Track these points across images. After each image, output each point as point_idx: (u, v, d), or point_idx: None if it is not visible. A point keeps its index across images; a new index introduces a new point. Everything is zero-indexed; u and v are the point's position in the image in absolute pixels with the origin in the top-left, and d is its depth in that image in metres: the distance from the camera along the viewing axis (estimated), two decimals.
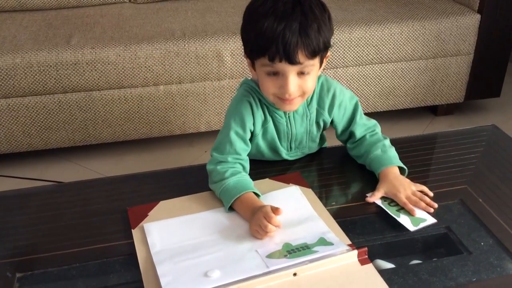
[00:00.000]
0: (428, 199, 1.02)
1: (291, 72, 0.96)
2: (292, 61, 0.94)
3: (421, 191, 1.04)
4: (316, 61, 0.99)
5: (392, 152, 1.10)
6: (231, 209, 1.00)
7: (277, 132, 1.11)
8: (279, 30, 0.92)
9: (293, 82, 0.97)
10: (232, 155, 1.06)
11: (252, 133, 1.09)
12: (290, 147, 1.14)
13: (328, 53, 1.04)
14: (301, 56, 0.94)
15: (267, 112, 1.09)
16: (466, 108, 2.36)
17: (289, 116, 1.09)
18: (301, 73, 0.98)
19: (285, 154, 1.14)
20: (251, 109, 1.07)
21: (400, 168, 1.08)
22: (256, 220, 0.92)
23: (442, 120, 2.30)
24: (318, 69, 1.02)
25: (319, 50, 0.96)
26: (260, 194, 1.02)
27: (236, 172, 1.03)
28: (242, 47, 1.04)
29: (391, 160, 1.08)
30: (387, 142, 1.13)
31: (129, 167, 1.99)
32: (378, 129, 1.16)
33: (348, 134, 1.15)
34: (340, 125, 1.14)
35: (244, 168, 1.07)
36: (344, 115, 1.13)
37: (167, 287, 0.81)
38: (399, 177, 1.06)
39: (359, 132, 1.14)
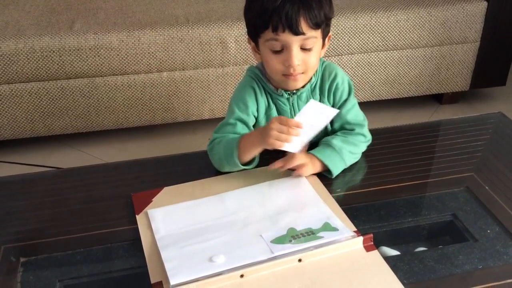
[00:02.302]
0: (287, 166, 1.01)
1: (295, 43, 0.98)
2: (295, 29, 0.96)
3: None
4: (319, 34, 1.00)
5: (335, 153, 1.05)
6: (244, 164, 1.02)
7: None
8: (280, 1, 0.95)
9: (297, 55, 0.99)
10: (232, 135, 1.06)
11: (256, 119, 1.09)
12: None
13: (330, 33, 1.06)
14: (303, 25, 0.96)
15: (270, 99, 1.09)
16: (471, 96, 2.34)
17: (292, 103, 1.09)
18: (304, 49, 0.99)
19: None
20: (255, 95, 1.08)
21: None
22: (270, 129, 0.95)
23: (447, 109, 2.28)
24: (321, 47, 1.03)
25: (321, 21, 0.98)
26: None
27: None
28: (246, 33, 1.03)
29: (324, 154, 1.04)
30: (349, 146, 1.07)
31: (132, 154, 1.99)
32: (360, 129, 1.10)
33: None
34: (335, 107, 1.11)
35: None
36: (341, 97, 1.11)
37: (171, 271, 0.81)
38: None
39: (338, 122, 1.10)
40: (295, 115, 1.09)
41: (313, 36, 0.99)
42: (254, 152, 1.02)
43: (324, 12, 0.99)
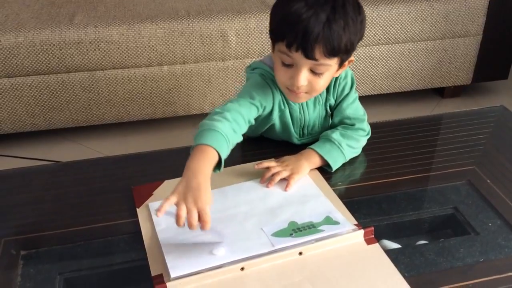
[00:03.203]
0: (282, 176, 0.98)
1: (304, 66, 0.92)
2: (308, 54, 0.89)
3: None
4: (334, 62, 0.94)
5: (335, 147, 1.04)
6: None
7: (292, 118, 1.10)
8: (305, 17, 0.87)
9: (304, 76, 0.93)
10: (232, 114, 0.96)
11: (271, 112, 1.06)
12: (303, 133, 1.13)
13: (352, 58, 0.99)
14: (318, 53, 0.89)
15: (284, 98, 1.07)
16: (473, 90, 2.34)
17: (302, 103, 1.08)
18: (313, 72, 0.94)
19: (296, 140, 1.13)
20: (271, 91, 1.05)
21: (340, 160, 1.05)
22: (187, 197, 0.81)
23: (449, 103, 2.28)
24: (335, 71, 0.98)
25: (338, 51, 0.91)
26: (222, 159, 0.90)
27: (226, 126, 0.93)
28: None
29: (323, 148, 1.03)
30: (349, 140, 1.06)
31: (133, 148, 1.98)
32: (360, 123, 1.09)
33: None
34: (338, 100, 1.10)
35: (234, 132, 0.95)
36: (343, 91, 1.09)
37: (172, 264, 0.81)
38: (302, 158, 1.02)
39: (337, 116, 1.10)
40: (303, 114, 1.09)
41: (327, 64, 0.92)
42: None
43: (347, 40, 0.90)
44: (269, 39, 1.00)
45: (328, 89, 1.08)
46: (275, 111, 1.07)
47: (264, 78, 1.05)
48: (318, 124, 1.12)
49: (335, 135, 1.06)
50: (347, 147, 1.06)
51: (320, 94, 1.08)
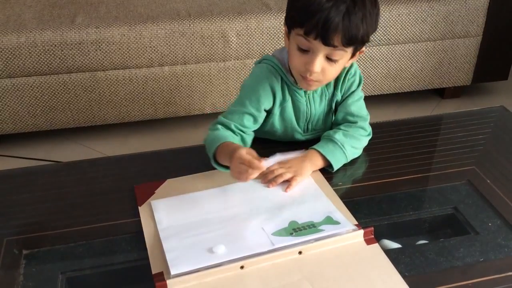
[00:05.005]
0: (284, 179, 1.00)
1: (321, 52, 0.95)
2: (327, 42, 0.92)
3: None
4: (349, 50, 0.97)
5: (338, 148, 1.05)
6: (221, 167, 1.00)
7: (296, 112, 1.10)
8: (326, 7, 0.90)
9: (319, 62, 0.96)
10: (236, 124, 1.05)
11: (269, 111, 1.09)
12: (307, 128, 1.13)
13: (364, 48, 1.02)
14: (336, 40, 0.92)
15: (287, 91, 1.08)
16: (473, 91, 2.34)
17: (309, 96, 1.09)
18: (329, 59, 0.96)
19: (300, 136, 1.13)
20: (270, 89, 1.06)
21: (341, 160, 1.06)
22: (231, 169, 0.93)
23: (449, 103, 2.28)
24: (348, 60, 1.01)
25: (355, 41, 0.94)
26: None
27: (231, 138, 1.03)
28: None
29: (326, 149, 1.04)
30: (351, 140, 1.07)
31: (134, 148, 1.99)
32: (363, 123, 1.10)
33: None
34: (345, 96, 1.11)
35: (243, 140, 1.06)
36: (351, 88, 1.10)
37: (172, 262, 0.81)
38: (306, 160, 1.03)
39: (341, 112, 1.10)
40: (310, 108, 1.09)
41: (343, 50, 0.95)
42: (225, 163, 0.99)
43: (364, 31, 0.94)
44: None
45: (336, 84, 1.09)
46: (275, 106, 1.08)
47: (268, 72, 1.06)
48: (322, 119, 1.13)
49: (338, 135, 1.06)
50: (350, 148, 1.06)
51: (327, 88, 1.09)
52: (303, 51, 0.97)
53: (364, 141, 1.10)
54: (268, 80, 1.06)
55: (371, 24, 0.96)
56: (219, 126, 1.05)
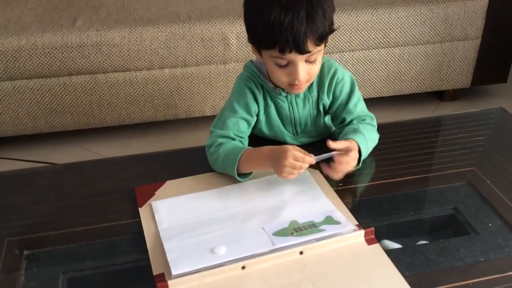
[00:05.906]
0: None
1: (300, 60, 0.96)
2: (302, 50, 0.94)
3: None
4: (322, 45, 0.99)
5: (364, 143, 1.03)
6: (241, 176, 1.01)
7: (280, 117, 1.11)
8: (287, 22, 0.91)
9: (303, 69, 0.97)
10: (234, 131, 1.06)
11: (257, 117, 1.10)
12: (296, 132, 1.14)
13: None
14: (310, 45, 0.94)
15: (268, 97, 1.09)
16: (472, 93, 2.34)
17: (291, 101, 1.09)
18: (308, 62, 0.98)
19: (290, 139, 1.14)
20: (253, 95, 1.08)
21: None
22: (284, 166, 0.93)
23: (448, 106, 2.28)
24: (323, 50, 1.02)
25: (325, 35, 0.96)
26: None
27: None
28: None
29: (362, 139, 1.03)
30: (370, 134, 1.07)
31: (134, 150, 1.97)
32: (371, 121, 1.11)
33: (341, 119, 1.12)
34: (337, 101, 1.11)
35: (243, 145, 1.07)
36: (342, 92, 1.10)
37: (173, 262, 0.81)
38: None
39: (349, 117, 1.10)
40: (293, 112, 1.10)
41: (318, 51, 0.97)
42: (257, 169, 1.01)
43: (329, 23, 0.96)
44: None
45: (319, 89, 1.10)
46: (260, 113, 1.09)
47: (248, 80, 1.08)
48: (310, 122, 1.13)
49: (365, 131, 1.05)
50: (372, 141, 1.07)
51: (310, 93, 1.10)
52: (283, 66, 0.98)
53: (377, 137, 1.10)
54: (250, 87, 1.08)
55: (331, 10, 0.97)
56: (220, 140, 1.05)
